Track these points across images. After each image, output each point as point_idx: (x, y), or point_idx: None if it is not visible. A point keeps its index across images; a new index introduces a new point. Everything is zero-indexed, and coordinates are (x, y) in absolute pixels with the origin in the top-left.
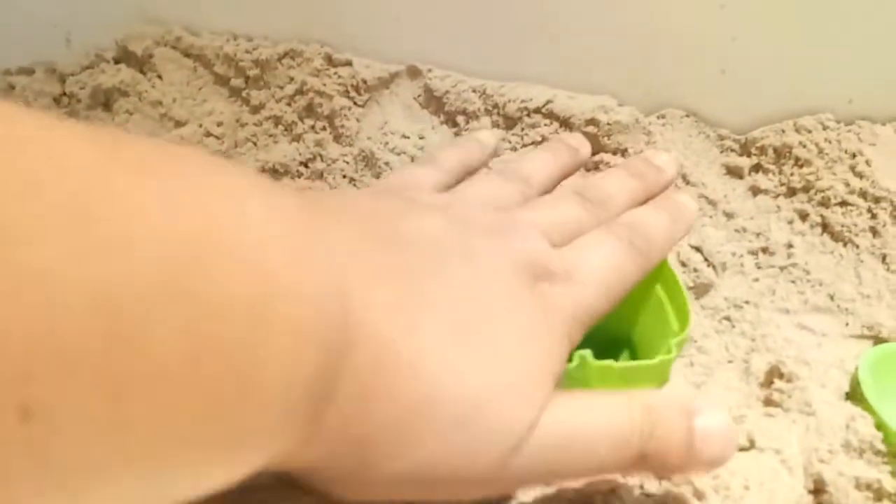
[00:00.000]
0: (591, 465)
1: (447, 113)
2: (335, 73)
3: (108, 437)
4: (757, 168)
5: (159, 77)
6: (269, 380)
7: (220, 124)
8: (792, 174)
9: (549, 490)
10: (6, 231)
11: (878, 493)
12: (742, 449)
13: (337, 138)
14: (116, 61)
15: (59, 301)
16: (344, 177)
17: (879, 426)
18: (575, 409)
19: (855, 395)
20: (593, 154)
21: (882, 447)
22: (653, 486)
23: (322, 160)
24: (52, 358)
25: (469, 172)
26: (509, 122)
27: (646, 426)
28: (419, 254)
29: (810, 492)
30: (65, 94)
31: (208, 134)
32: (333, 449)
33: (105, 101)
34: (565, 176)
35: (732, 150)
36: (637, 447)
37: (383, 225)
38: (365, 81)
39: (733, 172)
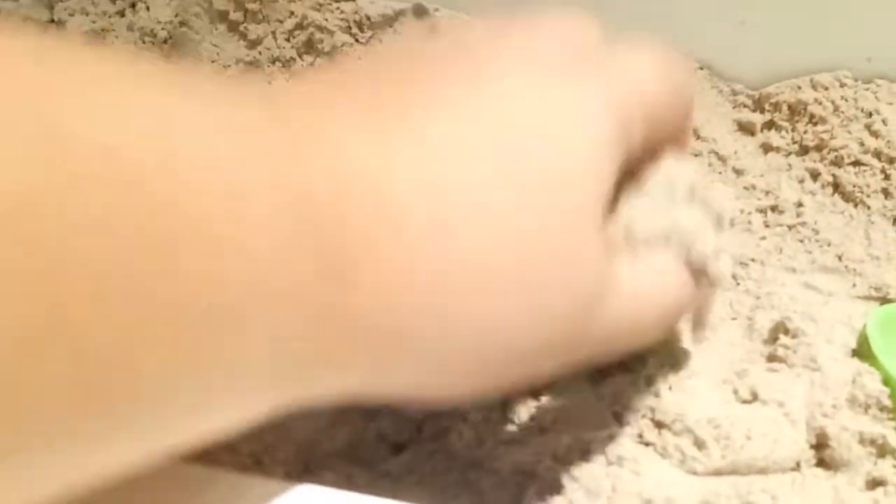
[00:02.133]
0: (639, 332)
1: None
2: (337, 8)
3: None
4: (770, 125)
5: (149, 8)
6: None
7: (214, 59)
8: (805, 132)
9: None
10: None
11: (882, 449)
12: (744, 401)
13: None
14: None
15: None
16: None
17: (886, 381)
18: (633, 269)
19: (862, 351)
20: None
21: (888, 402)
22: (652, 434)
23: None
24: None
25: None
26: None
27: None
28: (405, 81)
29: (812, 446)
30: (53, 20)
31: (206, 67)
32: (386, 356)
33: (94, 31)
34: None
35: (745, 106)
36: (676, 318)
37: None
38: (368, 18)
39: (745, 129)
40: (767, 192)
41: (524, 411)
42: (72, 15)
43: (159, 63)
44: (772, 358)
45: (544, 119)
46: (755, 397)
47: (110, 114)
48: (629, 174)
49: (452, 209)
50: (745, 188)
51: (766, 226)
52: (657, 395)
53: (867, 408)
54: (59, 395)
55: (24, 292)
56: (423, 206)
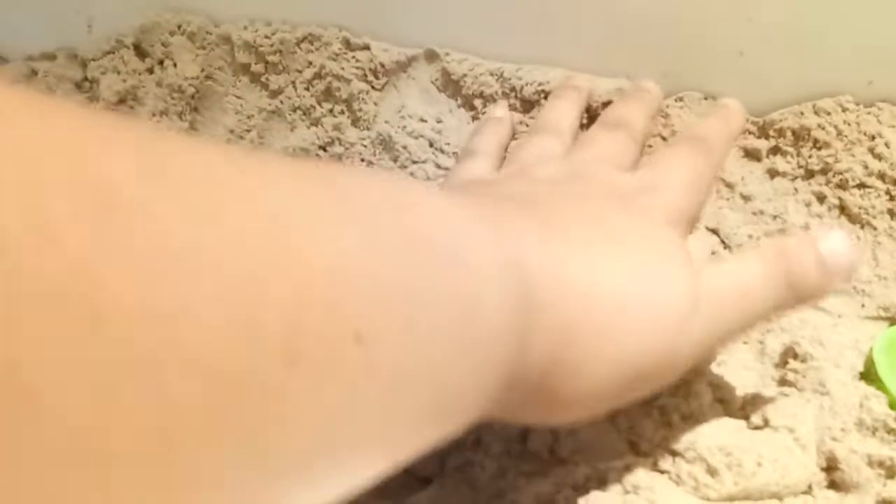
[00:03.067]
0: (755, 310)
1: (464, 96)
2: (353, 57)
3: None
4: (775, 150)
5: (176, 64)
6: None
7: (238, 111)
8: (810, 156)
9: (570, 472)
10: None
11: (891, 470)
12: (755, 427)
13: (355, 122)
14: (136, 47)
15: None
16: (362, 160)
17: (893, 405)
18: (723, 271)
19: (869, 374)
20: None
21: (895, 425)
22: (666, 462)
23: (340, 144)
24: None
25: (504, 148)
26: (526, 105)
27: (782, 262)
28: (557, 211)
29: (823, 469)
30: (86, 79)
31: (230, 118)
32: (540, 377)
33: (126, 89)
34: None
35: (750, 133)
36: (784, 282)
37: (525, 198)
38: (383, 65)
39: (751, 155)
40: (775, 217)
41: (543, 444)
42: (104, 73)
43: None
44: (782, 382)
45: (643, 238)
46: (766, 423)
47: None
48: None
49: (602, 286)
50: (754, 213)
51: None
52: (670, 424)
53: (875, 431)
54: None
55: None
56: (583, 283)
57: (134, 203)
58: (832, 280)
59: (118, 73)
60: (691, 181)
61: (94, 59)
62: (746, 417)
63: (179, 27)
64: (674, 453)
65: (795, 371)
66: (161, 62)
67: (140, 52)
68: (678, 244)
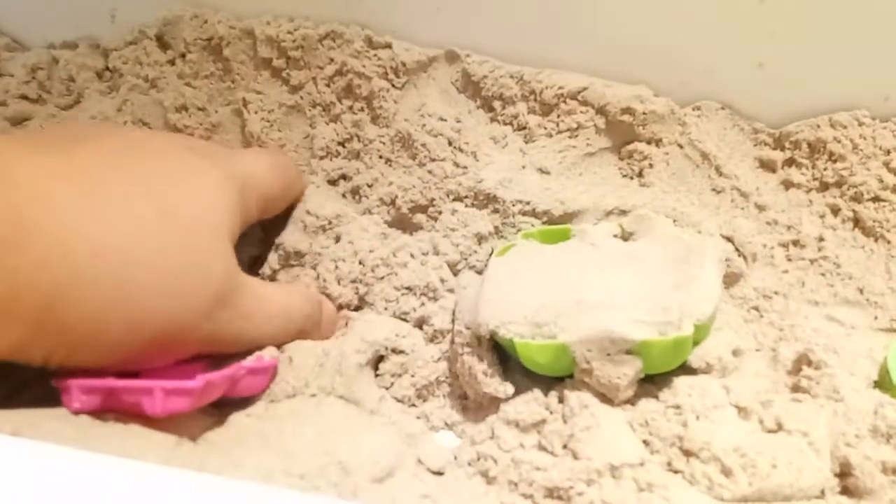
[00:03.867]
0: (265, 333)
1: (484, 98)
2: (375, 55)
3: None
4: (790, 162)
5: (198, 55)
6: None
7: (259, 105)
8: (825, 169)
9: (584, 467)
10: None
11: None
12: (770, 431)
13: (374, 119)
14: (159, 39)
15: None
16: (380, 157)
17: None
18: (266, 287)
19: (883, 383)
20: (627, 143)
21: None
22: (681, 462)
23: (359, 140)
24: None
25: None
26: (545, 109)
27: (316, 313)
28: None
29: (836, 475)
30: (108, 68)
31: (251, 112)
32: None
33: (147, 79)
34: None
35: (766, 144)
36: (302, 325)
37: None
38: (404, 64)
39: (766, 166)
40: (789, 227)
41: (557, 439)
42: (125, 63)
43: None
44: (796, 388)
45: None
46: (780, 427)
47: None
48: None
49: (103, 217)
50: (768, 223)
51: (789, 260)
52: (685, 424)
53: (889, 438)
54: None
55: None
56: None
57: None
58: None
59: (140, 63)
60: (279, 173)
61: (115, 49)
62: (760, 421)
63: (202, 20)
64: (688, 453)
65: (809, 378)
66: (183, 55)
67: (162, 43)
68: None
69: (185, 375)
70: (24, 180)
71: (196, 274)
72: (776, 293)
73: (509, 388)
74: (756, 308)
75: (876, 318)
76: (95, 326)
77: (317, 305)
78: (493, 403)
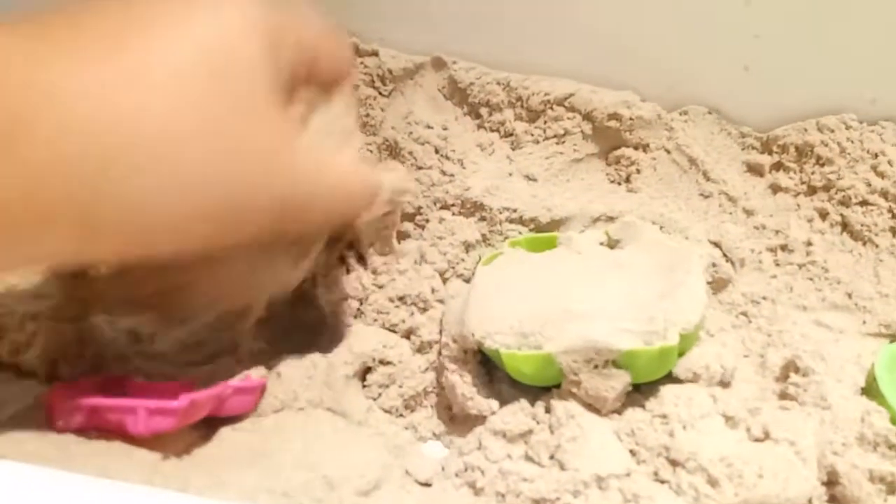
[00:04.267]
0: (338, 201)
1: (471, 104)
2: (361, 63)
3: None
4: (778, 166)
5: None
6: None
7: None
8: (813, 173)
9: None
10: None
11: (892, 486)
12: (757, 440)
13: (362, 127)
14: None
15: None
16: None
17: (895, 420)
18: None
19: (870, 390)
20: (615, 149)
21: None
22: (667, 472)
23: None
24: None
25: None
26: (532, 115)
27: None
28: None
29: (823, 483)
30: None
31: None
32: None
33: None
34: None
35: (754, 148)
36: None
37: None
38: (391, 71)
39: (754, 170)
40: (777, 232)
41: (544, 449)
42: None
43: None
44: (783, 396)
45: (204, 38)
46: (767, 435)
47: None
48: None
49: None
50: (756, 228)
51: (777, 264)
52: (671, 434)
53: (876, 446)
54: None
55: None
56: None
57: None
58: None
59: None
60: (326, 34)
61: None
62: (748, 430)
63: None
64: (675, 463)
65: (797, 385)
66: None
67: None
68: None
69: (169, 395)
70: (19, 65)
71: (249, 133)
72: (764, 298)
73: (493, 405)
74: (744, 314)
75: (864, 322)
76: (143, 210)
77: (372, 192)
78: (481, 414)
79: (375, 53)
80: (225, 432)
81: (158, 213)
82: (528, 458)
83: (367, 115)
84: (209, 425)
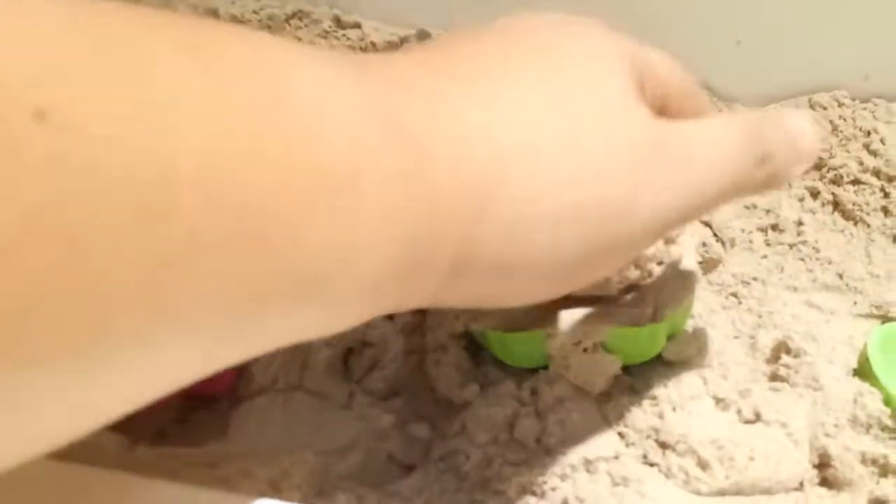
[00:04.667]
0: (723, 176)
1: None
2: (344, 36)
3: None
4: None
5: None
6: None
7: None
8: None
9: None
10: None
11: (884, 469)
12: (747, 422)
13: None
14: None
15: None
16: None
17: (887, 401)
18: (699, 125)
19: (863, 371)
20: None
21: (889, 423)
22: (657, 455)
23: None
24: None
25: None
26: None
27: (757, 127)
28: (463, 46)
29: (815, 465)
30: None
31: None
32: (483, 277)
33: None
34: None
35: None
36: (759, 145)
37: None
38: (374, 44)
39: None
40: (768, 211)
41: (530, 433)
42: None
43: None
44: (774, 377)
45: (582, 73)
46: (758, 417)
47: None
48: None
49: (535, 141)
50: (746, 207)
51: (768, 244)
52: (661, 416)
53: (869, 427)
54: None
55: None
56: (519, 145)
57: None
58: (802, 161)
59: None
60: (674, 67)
61: None
62: (738, 412)
63: (164, 1)
64: (664, 445)
65: (788, 366)
66: None
67: None
68: (628, 75)
69: None
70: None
71: (621, 147)
72: (755, 279)
73: (474, 389)
74: (734, 294)
75: (855, 303)
76: (553, 257)
77: (771, 118)
78: (465, 398)
79: (358, 26)
80: (199, 415)
81: (536, 249)
82: (515, 442)
83: None
84: (182, 408)
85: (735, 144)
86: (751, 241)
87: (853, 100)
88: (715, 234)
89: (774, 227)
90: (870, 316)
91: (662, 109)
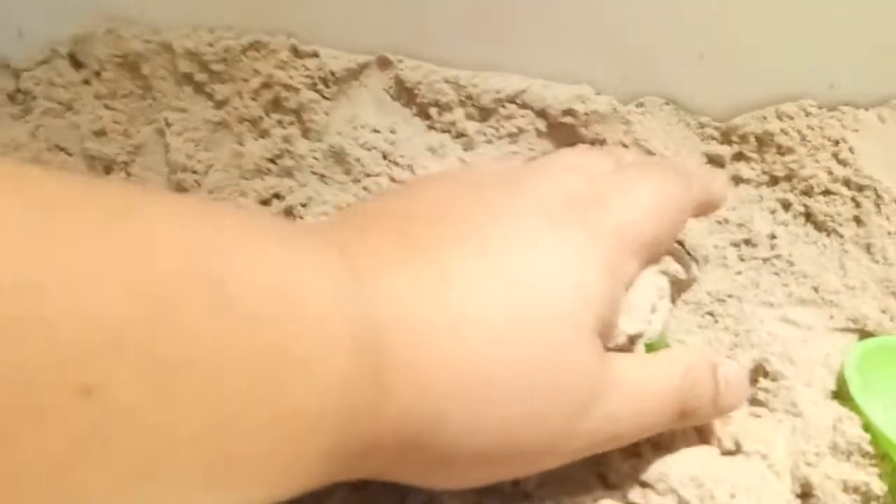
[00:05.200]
0: (645, 423)
1: (419, 105)
2: (302, 65)
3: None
4: (739, 157)
5: (115, 73)
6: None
7: (184, 124)
8: (774, 163)
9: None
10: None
11: (866, 496)
12: (728, 453)
13: (305, 133)
14: (72, 56)
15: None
16: (314, 174)
17: (867, 427)
18: (633, 367)
19: (841, 393)
20: (571, 145)
21: (869, 449)
22: (636, 494)
23: (290, 157)
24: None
25: None
26: (483, 114)
27: (687, 384)
28: (434, 222)
29: (798, 496)
30: (19, 90)
31: (174, 132)
32: (404, 442)
33: (62, 100)
34: None
35: (713, 139)
36: (681, 404)
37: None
38: (333, 73)
39: (715, 161)
40: (741, 226)
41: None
42: (37, 84)
43: (263, 216)
44: (753, 402)
45: (541, 266)
46: (739, 448)
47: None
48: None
49: (466, 331)
50: (719, 222)
51: (742, 260)
52: (640, 455)
53: (849, 455)
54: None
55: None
56: (444, 329)
57: None
58: (719, 414)
59: (52, 84)
60: (657, 203)
61: (27, 70)
62: (719, 441)
63: (116, 36)
64: (644, 485)
65: (766, 390)
66: (98, 74)
67: (76, 62)
68: (594, 309)
69: None
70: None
71: (564, 384)
72: (730, 296)
73: None
74: (710, 313)
75: (832, 317)
76: (452, 459)
77: (703, 375)
78: None
79: (316, 55)
80: None
81: (507, 445)
82: (491, 489)
83: (311, 121)
84: None
85: (658, 398)
86: (725, 258)
87: (820, 108)
88: (689, 253)
89: (748, 242)
90: (846, 330)
91: (642, 263)
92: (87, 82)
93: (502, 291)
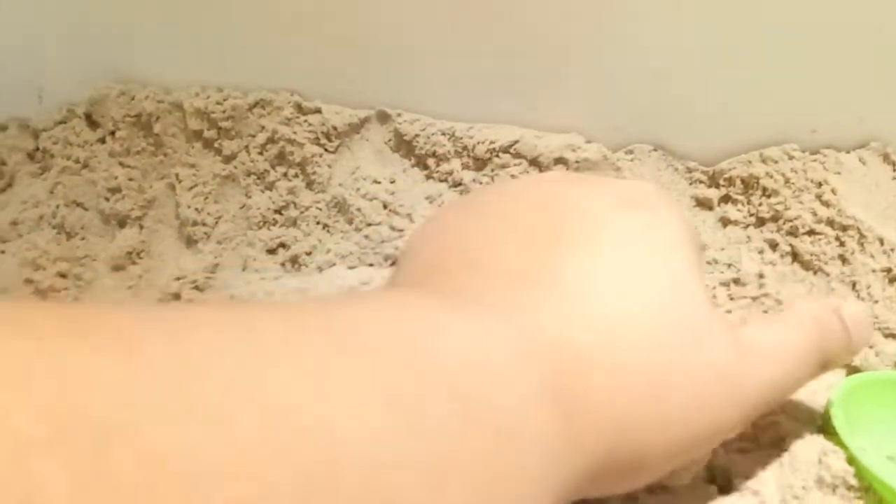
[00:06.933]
0: (792, 384)
1: (417, 156)
2: (305, 121)
3: None
4: (726, 199)
5: (128, 132)
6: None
7: (193, 179)
8: (760, 204)
9: None
10: None
11: None
12: (721, 489)
13: (309, 185)
14: (88, 116)
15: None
16: (318, 223)
17: (851, 460)
18: (765, 332)
19: (826, 428)
20: None
21: (854, 482)
22: None
23: (295, 207)
24: None
25: None
26: (479, 164)
27: (821, 335)
28: (518, 249)
29: None
30: (38, 149)
31: (185, 187)
32: (604, 462)
33: (79, 158)
34: None
35: (701, 182)
36: (821, 354)
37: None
38: (335, 128)
39: (703, 204)
40: (729, 265)
41: None
42: (55, 143)
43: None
44: (741, 437)
45: (643, 246)
46: (730, 484)
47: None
48: None
49: (621, 339)
50: (708, 262)
51: (731, 298)
52: (635, 499)
53: (835, 488)
54: None
55: None
56: (601, 346)
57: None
58: (854, 353)
59: (70, 143)
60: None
61: (45, 130)
62: (712, 479)
63: (130, 97)
64: None
65: (754, 425)
66: (112, 133)
67: (91, 122)
68: (703, 291)
69: None
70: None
71: (714, 353)
72: None
73: None
74: None
75: None
76: (644, 461)
77: (832, 321)
78: None
79: (318, 111)
80: None
81: (655, 456)
82: None
83: (315, 173)
84: None
85: (799, 349)
86: (715, 297)
87: (803, 152)
88: None
89: (737, 281)
90: None
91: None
92: (102, 141)
93: (631, 284)
